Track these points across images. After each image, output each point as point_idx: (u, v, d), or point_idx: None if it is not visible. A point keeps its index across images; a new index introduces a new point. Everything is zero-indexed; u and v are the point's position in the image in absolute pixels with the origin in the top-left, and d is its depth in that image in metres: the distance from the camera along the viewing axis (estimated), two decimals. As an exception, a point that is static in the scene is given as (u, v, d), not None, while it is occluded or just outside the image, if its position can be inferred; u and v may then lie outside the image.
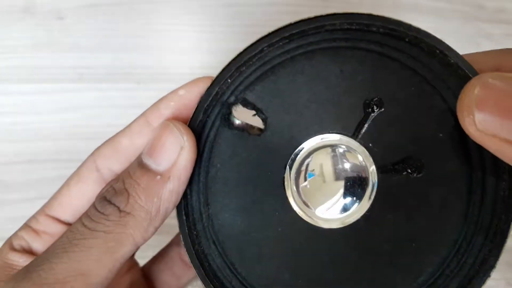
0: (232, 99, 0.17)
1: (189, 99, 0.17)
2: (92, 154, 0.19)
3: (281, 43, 0.17)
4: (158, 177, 0.16)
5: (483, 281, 0.15)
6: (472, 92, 0.13)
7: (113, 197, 0.16)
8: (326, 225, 0.16)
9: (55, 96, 0.34)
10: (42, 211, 0.19)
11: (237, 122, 0.17)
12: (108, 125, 0.33)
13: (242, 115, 0.18)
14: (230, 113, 0.17)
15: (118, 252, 0.16)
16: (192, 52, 0.37)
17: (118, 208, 0.16)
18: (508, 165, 0.15)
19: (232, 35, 0.38)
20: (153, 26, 0.38)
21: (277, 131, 0.17)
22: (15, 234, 0.19)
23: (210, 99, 0.17)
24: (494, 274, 0.30)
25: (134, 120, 0.18)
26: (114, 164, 0.18)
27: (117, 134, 0.19)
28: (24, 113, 0.33)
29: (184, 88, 0.17)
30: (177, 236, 0.24)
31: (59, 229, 0.19)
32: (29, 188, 0.31)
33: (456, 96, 0.14)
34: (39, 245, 0.19)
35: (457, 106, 0.14)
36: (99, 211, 0.16)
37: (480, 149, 0.15)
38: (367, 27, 0.16)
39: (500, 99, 0.13)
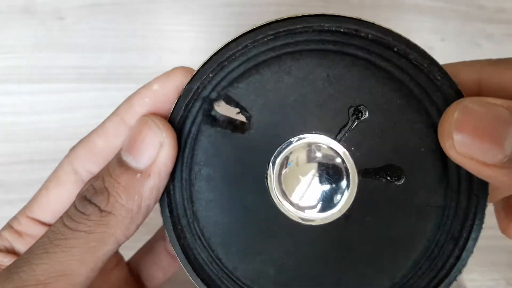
0: (214, 95, 0.17)
1: (165, 94, 0.17)
2: (68, 156, 0.19)
3: (266, 40, 0.16)
4: (138, 175, 0.16)
5: (450, 283, 0.16)
6: (452, 116, 0.14)
7: (93, 196, 0.16)
8: (308, 222, 0.17)
9: (55, 96, 0.34)
10: (23, 212, 0.19)
11: (219, 118, 0.17)
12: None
13: (224, 112, 0.17)
14: (212, 109, 0.17)
15: (99, 251, 0.16)
16: (192, 52, 0.37)
17: (99, 208, 0.16)
18: (481, 182, 0.16)
19: (232, 35, 0.38)
20: (153, 26, 0.38)
21: (261, 130, 0.17)
22: None
23: (191, 94, 0.17)
24: (494, 274, 0.30)
25: (108, 119, 0.18)
26: (91, 165, 0.18)
27: (91, 134, 0.18)
28: (24, 113, 0.33)
29: (158, 83, 0.17)
30: (161, 230, 0.24)
31: (40, 230, 0.19)
32: (29, 188, 0.31)
33: (440, 112, 0.15)
34: (21, 246, 0.19)
35: (438, 128, 0.15)
36: (79, 211, 0.16)
37: (458, 166, 0.16)
38: (356, 32, 0.16)
39: (477, 123, 0.13)
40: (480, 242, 0.30)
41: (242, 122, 0.17)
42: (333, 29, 0.16)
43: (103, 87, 0.35)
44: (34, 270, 0.15)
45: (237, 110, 0.17)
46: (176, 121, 0.17)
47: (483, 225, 0.16)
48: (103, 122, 0.18)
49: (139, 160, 0.16)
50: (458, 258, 0.16)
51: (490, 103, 0.13)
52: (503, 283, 0.29)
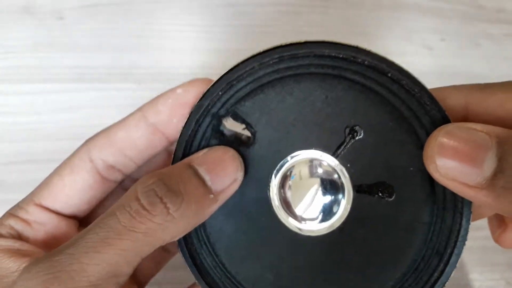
0: (222, 111, 0.18)
1: (186, 98, 0.18)
2: (86, 144, 0.19)
3: (271, 62, 0.18)
4: (211, 196, 0.16)
5: None
6: (435, 141, 0.15)
7: (166, 195, 0.15)
8: (305, 233, 0.18)
9: (55, 96, 0.34)
10: (30, 200, 0.19)
11: (227, 133, 0.18)
12: (108, 125, 0.33)
13: (231, 127, 0.19)
14: (220, 124, 0.18)
15: (146, 253, 0.15)
16: (192, 52, 0.37)
17: (168, 209, 0.15)
18: (465, 201, 0.17)
19: (232, 35, 0.38)
20: (153, 26, 0.38)
21: (265, 145, 0.18)
22: (1, 223, 0.19)
23: (201, 110, 0.18)
24: (494, 274, 0.30)
25: (131, 114, 0.18)
26: (108, 155, 0.18)
27: (112, 126, 0.19)
28: (24, 113, 0.33)
29: (182, 87, 0.18)
30: None
31: (50, 218, 0.19)
32: (29, 188, 0.31)
33: (428, 134, 0.17)
34: (30, 233, 0.18)
35: (423, 153, 0.16)
36: (145, 208, 0.15)
37: (443, 187, 0.17)
38: (353, 58, 0.18)
39: (458, 147, 0.14)
40: (480, 242, 0.30)
41: (247, 137, 0.18)
42: (333, 55, 0.18)
43: (103, 87, 0.35)
44: (85, 270, 0.14)
45: (243, 126, 0.18)
46: (188, 134, 0.18)
47: (468, 237, 0.18)
48: (126, 117, 0.18)
49: (215, 183, 0.16)
50: (442, 272, 0.17)
51: (471, 129, 0.14)
52: (503, 283, 0.29)
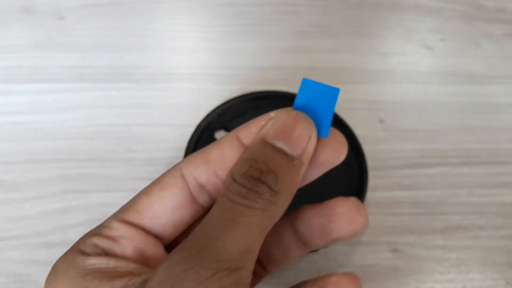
0: (218, 126, 0.30)
1: (279, 120, 0.18)
2: (179, 163, 0.19)
3: (251, 98, 0.32)
4: (296, 161, 0.17)
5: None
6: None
7: (262, 176, 0.16)
8: None
9: (55, 96, 0.34)
10: (113, 218, 0.18)
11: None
12: (108, 125, 0.33)
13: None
14: (214, 134, 0.30)
15: (268, 229, 0.16)
16: (192, 52, 0.37)
17: (270, 187, 0.16)
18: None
19: (231, 35, 0.38)
20: (153, 26, 0.38)
21: None
22: (83, 242, 0.17)
23: (205, 125, 0.30)
24: (495, 274, 0.30)
25: (225, 136, 0.19)
26: (200, 173, 0.18)
27: (207, 147, 0.19)
28: (24, 113, 0.33)
29: (275, 112, 0.18)
30: (290, 213, 0.21)
31: (137, 233, 0.17)
32: (29, 188, 0.31)
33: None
34: (118, 251, 0.17)
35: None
36: (252, 190, 0.16)
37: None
38: (292, 97, 0.25)
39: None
40: (480, 242, 0.30)
41: None
42: (287, 95, 0.32)
43: (103, 87, 0.35)
44: (227, 246, 0.15)
45: None
46: (194, 141, 0.29)
47: None
48: (221, 138, 0.19)
49: (294, 148, 0.17)
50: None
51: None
52: (502, 283, 0.29)
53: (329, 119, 0.18)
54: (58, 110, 0.34)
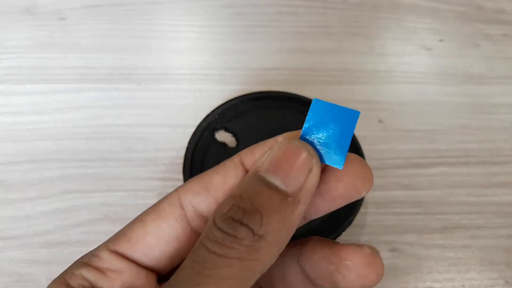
0: (218, 126, 0.30)
1: (284, 146, 0.16)
2: (177, 189, 0.17)
3: (249, 98, 0.31)
4: (290, 198, 0.15)
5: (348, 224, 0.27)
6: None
7: (244, 217, 0.14)
8: None
9: (56, 96, 0.34)
10: (104, 247, 0.17)
11: (219, 139, 0.30)
12: (109, 125, 0.33)
13: (223, 136, 0.30)
14: (214, 134, 0.30)
15: (250, 281, 0.14)
16: (192, 52, 0.38)
17: (252, 230, 0.14)
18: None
19: (232, 35, 0.39)
20: (153, 26, 0.38)
21: (245, 146, 0.20)
22: (71, 273, 0.16)
23: (205, 125, 0.30)
24: (493, 273, 0.30)
25: (229, 160, 0.17)
26: (200, 202, 0.16)
27: (208, 170, 0.17)
28: (24, 113, 0.33)
29: (283, 136, 0.17)
30: (293, 245, 0.19)
31: (128, 267, 0.16)
32: (29, 188, 0.31)
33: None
34: (104, 283, 0.16)
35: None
36: (230, 234, 0.14)
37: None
38: (296, 97, 0.31)
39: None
40: (479, 241, 0.31)
41: (233, 141, 0.30)
42: (285, 96, 0.31)
43: (104, 88, 0.35)
44: None
45: (231, 134, 0.30)
46: (195, 140, 0.29)
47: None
48: (224, 162, 0.17)
49: (289, 183, 0.15)
50: (357, 203, 0.28)
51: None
52: (501, 282, 0.30)
53: (346, 146, 0.15)
54: (59, 110, 0.34)
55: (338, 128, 0.15)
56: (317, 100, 0.15)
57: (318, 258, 0.17)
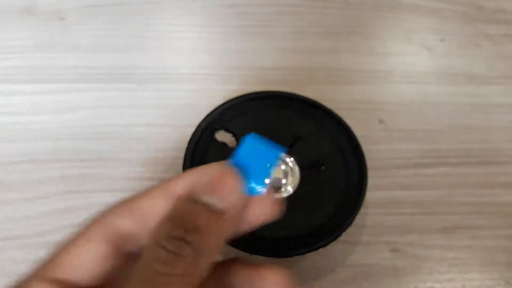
0: (218, 126, 0.30)
1: (209, 174, 0.18)
2: (104, 211, 0.18)
3: (248, 99, 0.31)
4: (226, 215, 0.16)
5: (353, 219, 0.28)
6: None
7: (186, 235, 0.15)
8: (280, 195, 0.25)
9: (56, 96, 0.34)
10: (35, 277, 0.17)
11: (219, 139, 0.30)
12: (109, 125, 0.33)
13: (223, 136, 0.30)
14: (214, 134, 0.30)
15: None
16: (192, 52, 0.37)
17: (194, 247, 0.15)
18: (364, 168, 0.29)
19: (232, 35, 0.38)
20: (153, 26, 0.38)
21: None
22: None
23: (205, 125, 0.30)
24: (494, 273, 0.30)
25: (154, 186, 0.18)
26: (124, 223, 0.17)
27: (135, 194, 0.18)
28: (24, 113, 0.33)
29: (207, 166, 0.18)
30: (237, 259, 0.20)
31: None
32: (29, 188, 0.31)
33: (339, 135, 0.31)
34: None
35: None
36: (174, 252, 0.15)
37: (352, 160, 0.30)
38: (295, 97, 0.32)
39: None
40: (480, 242, 0.30)
41: (233, 141, 0.30)
42: (284, 96, 0.32)
43: (104, 87, 0.35)
44: None
45: (231, 134, 0.30)
46: (196, 140, 0.29)
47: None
48: (148, 188, 0.18)
49: (224, 201, 0.16)
50: (358, 203, 0.28)
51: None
52: (502, 282, 0.29)
53: (265, 176, 0.17)
54: (59, 110, 0.34)
55: (263, 160, 0.18)
56: (252, 134, 0.18)
57: (242, 280, 0.18)
